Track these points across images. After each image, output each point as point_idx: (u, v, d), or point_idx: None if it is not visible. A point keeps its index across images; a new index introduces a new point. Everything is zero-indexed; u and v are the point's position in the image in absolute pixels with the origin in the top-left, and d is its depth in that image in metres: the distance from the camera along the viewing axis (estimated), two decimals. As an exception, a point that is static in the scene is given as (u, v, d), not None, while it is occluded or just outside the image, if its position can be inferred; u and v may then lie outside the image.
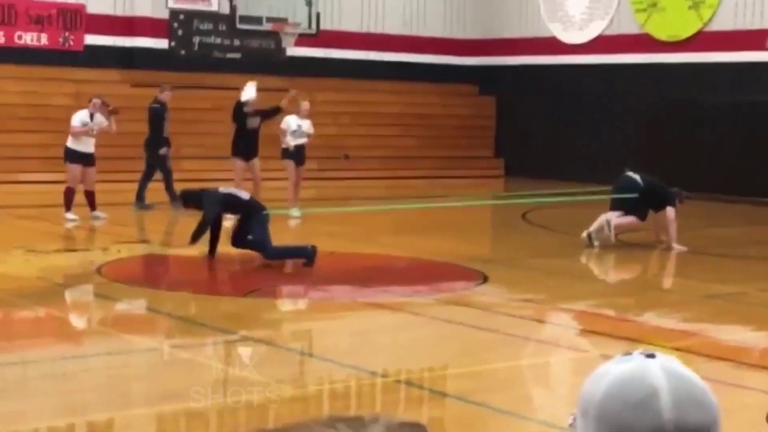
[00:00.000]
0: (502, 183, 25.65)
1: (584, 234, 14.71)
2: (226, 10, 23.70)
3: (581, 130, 25.26)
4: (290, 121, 17.64)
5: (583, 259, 14.14)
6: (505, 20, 27.66)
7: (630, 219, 14.76)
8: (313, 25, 23.78)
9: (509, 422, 7.04)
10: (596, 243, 14.59)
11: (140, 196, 17.71)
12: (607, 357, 2.00)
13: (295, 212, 17.26)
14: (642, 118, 24.19)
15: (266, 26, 23.34)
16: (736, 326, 10.32)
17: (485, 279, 12.08)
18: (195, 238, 12.67)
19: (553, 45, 26.46)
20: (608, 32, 25.46)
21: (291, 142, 17.49)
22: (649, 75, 24.30)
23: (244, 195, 13.05)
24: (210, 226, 12.72)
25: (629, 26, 25.05)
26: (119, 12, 23.72)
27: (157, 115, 18.06)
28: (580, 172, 24.23)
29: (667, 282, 13.43)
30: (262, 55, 24.61)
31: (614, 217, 14.68)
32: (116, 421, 6.87)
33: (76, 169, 16.30)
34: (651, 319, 10.47)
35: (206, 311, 10.44)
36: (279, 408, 6.89)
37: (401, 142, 25.76)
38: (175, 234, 15.33)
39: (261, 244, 12.54)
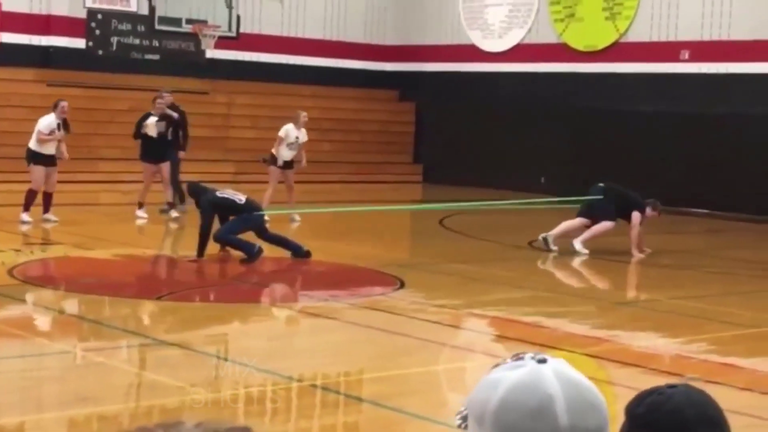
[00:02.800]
0: (420, 189, 25.76)
1: (540, 237, 14.89)
2: (145, 10, 23.47)
3: (500, 138, 25.47)
4: (290, 131, 17.70)
5: (501, 265, 14.26)
6: (425, 27, 27.79)
7: (601, 226, 14.88)
8: (233, 28, 23.65)
9: (423, 427, 7.08)
10: (554, 248, 14.78)
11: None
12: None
13: (295, 216, 17.31)
14: (560, 126, 24.46)
15: (185, 28, 23.15)
16: (647, 333, 10.49)
17: (402, 284, 12.13)
18: (201, 250, 12.88)
19: (472, 53, 26.66)
20: (527, 41, 25.71)
21: (285, 153, 17.55)
22: (567, 84, 24.59)
23: (240, 198, 13.17)
24: (206, 233, 12.91)
25: (548, 36, 25.33)
26: (35, 10, 23.39)
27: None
28: (499, 180, 24.44)
29: (582, 289, 13.60)
30: (181, 56, 24.43)
31: (577, 235, 14.87)
32: (27, 425, 6.77)
33: (40, 170, 16.12)
34: (564, 325, 10.60)
35: (120, 314, 10.33)
36: (193, 412, 6.84)
37: (320, 147, 25.68)
38: (90, 236, 15.15)
39: (221, 229, 12.85)
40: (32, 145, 16.30)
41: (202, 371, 8.23)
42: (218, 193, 13.13)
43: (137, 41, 24.11)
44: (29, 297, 10.85)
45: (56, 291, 11.47)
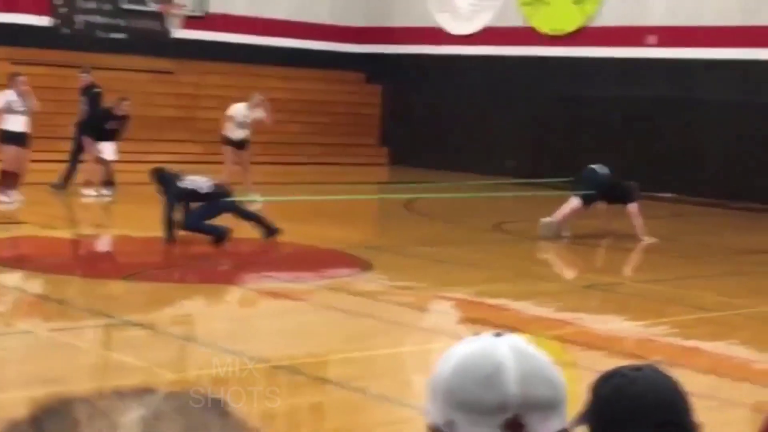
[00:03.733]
0: (386, 171, 25.76)
1: (545, 220, 14.93)
2: (111, -11, 23.31)
3: (466, 121, 25.50)
4: (239, 110, 17.64)
5: (467, 248, 14.30)
6: (393, 9, 27.75)
7: (570, 205, 14.95)
8: (201, 8, 23.54)
9: (389, 408, 7.10)
10: (566, 234, 14.85)
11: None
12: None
13: (255, 197, 17.25)
14: (526, 110, 24.52)
15: (152, 7, 23.02)
16: (611, 315, 10.56)
17: (369, 266, 12.14)
18: (169, 235, 12.80)
19: (440, 35, 26.65)
20: (494, 24, 25.72)
21: (236, 133, 17.50)
22: (534, 68, 24.64)
23: (206, 187, 12.99)
24: (168, 219, 12.82)
25: (515, 19, 25.35)
26: (0, -13, 23.16)
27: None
28: (465, 163, 24.49)
29: (548, 271, 13.66)
30: (148, 36, 24.27)
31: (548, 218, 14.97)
32: (-10, 405, 6.74)
33: (10, 149, 15.96)
34: (529, 307, 10.65)
35: (84, 294, 10.29)
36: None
37: (287, 128, 25.64)
38: (52, 215, 15.06)
39: (190, 217, 12.84)
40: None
41: (168, 352, 8.22)
42: (181, 184, 12.96)
43: (103, 20, 23.92)
44: (-7, 276, 10.77)
45: (20, 270, 11.39)
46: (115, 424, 0.75)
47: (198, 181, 13.12)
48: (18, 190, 16.04)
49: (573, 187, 15.63)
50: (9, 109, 16.05)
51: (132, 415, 0.75)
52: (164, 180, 13.10)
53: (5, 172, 15.97)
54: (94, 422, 0.76)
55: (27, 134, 16.21)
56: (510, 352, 1.63)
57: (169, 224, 12.82)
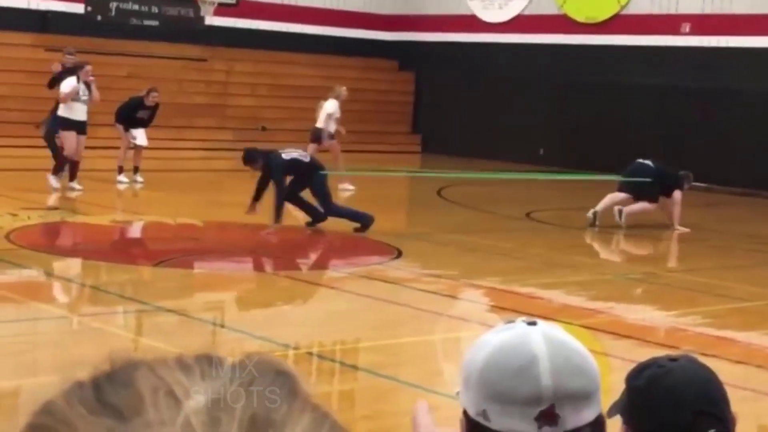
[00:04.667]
0: (418, 159, 25.73)
1: (590, 213, 14.87)
2: (144, -24, 23.38)
3: (498, 109, 25.42)
4: (335, 107, 18.26)
5: (498, 236, 14.26)
6: (425, -4, 27.69)
7: (641, 205, 14.98)
8: (233, -5, 23.59)
9: (418, 395, 7.10)
10: (599, 223, 14.80)
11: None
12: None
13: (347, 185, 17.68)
14: (559, 98, 24.42)
15: (185, -6, 23.07)
16: (642, 305, 10.52)
17: (399, 254, 12.14)
18: (278, 215, 12.79)
19: (472, 23, 26.56)
20: (527, 12, 25.62)
21: (330, 125, 18.00)
22: (567, 56, 24.52)
23: (306, 157, 13.36)
24: (283, 198, 12.83)
25: (548, 7, 25.23)
26: (34, -26, 23.27)
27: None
28: (497, 151, 24.42)
29: (579, 260, 13.61)
30: (181, 23, 24.33)
31: (624, 205, 14.88)
32: (23, 389, 6.79)
33: (71, 136, 16.07)
34: (560, 296, 10.62)
35: (117, 280, 10.34)
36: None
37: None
38: (86, 202, 15.15)
39: (324, 200, 13.04)
40: (60, 110, 16.26)
41: (198, 338, 8.25)
42: (285, 155, 13.06)
43: (136, 7, 24.00)
44: (26, 262, 10.85)
45: (53, 256, 11.47)
46: (178, 407, 0.73)
47: (294, 152, 13.29)
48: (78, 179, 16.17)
49: (623, 180, 15.44)
50: (74, 98, 16.18)
51: (198, 400, 0.74)
52: (260, 154, 13.05)
53: (64, 159, 16.07)
54: (158, 399, 0.74)
55: (87, 123, 16.33)
56: (543, 343, 1.62)
57: (281, 204, 12.79)
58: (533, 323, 1.66)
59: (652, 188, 14.98)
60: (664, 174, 15.17)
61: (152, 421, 0.72)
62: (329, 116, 18.07)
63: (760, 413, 6.86)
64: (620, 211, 14.84)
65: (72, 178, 16.18)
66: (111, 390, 0.76)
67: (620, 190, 15.27)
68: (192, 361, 0.78)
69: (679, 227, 14.96)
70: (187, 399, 0.74)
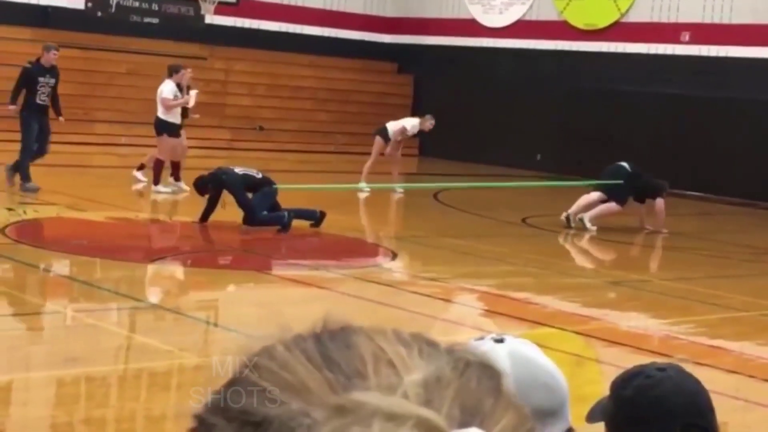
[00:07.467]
0: (415, 162, 25.72)
1: (563, 216, 15.00)
2: (145, -27, 23.37)
3: (497, 114, 25.43)
4: (413, 125, 18.83)
5: (493, 241, 14.27)
6: (425, 0, 27.69)
7: (606, 206, 15.05)
8: (234, -6, 23.58)
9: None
10: (573, 225, 14.92)
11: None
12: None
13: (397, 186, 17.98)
14: (557, 104, 24.43)
15: (186, -8, 23.07)
16: (636, 313, 10.52)
17: (394, 256, 12.14)
18: (206, 217, 12.97)
19: (472, 27, 26.57)
20: (527, 17, 25.64)
21: (398, 137, 18.43)
22: (566, 62, 24.54)
23: (258, 174, 13.30)
24: (248, 202, 12.95)
25: (548, 13, 25.26)
26: (35, -31, 23.26)
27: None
28: (494, 155, 24.42)
29: (573, 266, 13.63)
30: (181, 21, 24.33)
31: (587, 212, 14.99)
32: (15, 384, 6.79)
33: (171, 141, 16.15)
34: (554, 302, 10.62)
35: (111, 276, 10.34)
36: (181, 376, 6.86)
37: (316, 117, 25.69)
38: (83, 198, 15.14)
39: (250, 208, 12.88)
40: (161, 114, 16.30)
41: (192, 336, 8.25)
42: (237, 170, 13.18)
43: (137, 4, 23.99)
44: (21, 257, 10.84)
45: (48, 251, 11.46)
46: (399, 381, 0.73)
47: (245, 169, 13.37)
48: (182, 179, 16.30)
49: (600, 180, 15.62)
50: (176, 99, 16.28)
51: (417, 376, 0.73)
52: (213, 176, 13.06)
53: (158, 162, 16.16)
54: (379, 367, 0.73)
55: (180, 125, 16.61)
56: (508, 360, 1.63)
57: (212, 209, 12.92)
58: (500, 340, 1.67)
59: (622, 190, 15.09)
60: (638, 177, 15.26)
61: (372, 386, 0.72)
62: (402, 130, 18.13)
63: (751, 423, 6.87)
64: (581, 219, 15.00)
65: (177, 178, 16.38)
66: (333, 347, 0.75)
67: (595, 189, 15.42)
68: (409, 338, 0.78)
69: (664, 230, 15.26)
70: (406, 372, 0.73)
